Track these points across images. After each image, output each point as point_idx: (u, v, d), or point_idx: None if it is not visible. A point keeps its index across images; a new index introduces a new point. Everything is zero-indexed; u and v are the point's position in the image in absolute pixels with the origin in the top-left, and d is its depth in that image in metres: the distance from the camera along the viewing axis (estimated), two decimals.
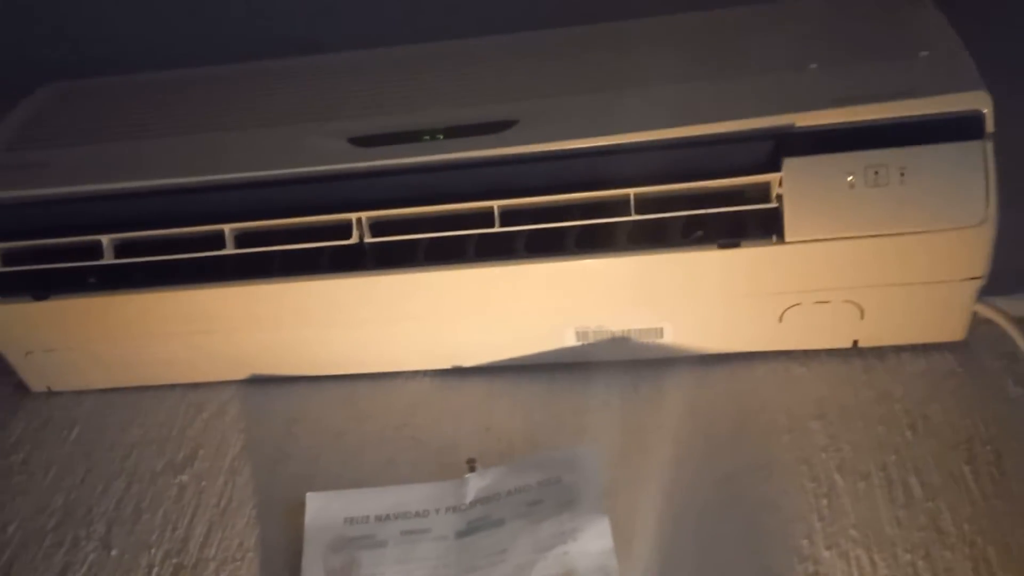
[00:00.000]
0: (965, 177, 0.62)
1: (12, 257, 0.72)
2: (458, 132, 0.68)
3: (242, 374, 0.79)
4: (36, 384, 0.80)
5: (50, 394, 0.81)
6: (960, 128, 0.62)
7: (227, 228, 0.69)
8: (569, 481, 0.65)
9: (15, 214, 0.72)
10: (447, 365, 0.77)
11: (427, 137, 0.69)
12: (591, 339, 0.73)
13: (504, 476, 0.66)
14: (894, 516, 0.62)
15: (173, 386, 0.80)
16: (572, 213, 0.67)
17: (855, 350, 0.72)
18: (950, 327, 0.70)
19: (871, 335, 0.71)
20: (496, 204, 0.66)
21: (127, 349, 0.76)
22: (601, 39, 0.77)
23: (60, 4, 1.09)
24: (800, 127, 0.63)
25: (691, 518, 0.63)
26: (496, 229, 0.67)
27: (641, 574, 0.60)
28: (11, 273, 0.72)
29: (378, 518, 0.65)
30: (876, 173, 0.62)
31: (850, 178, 0.63)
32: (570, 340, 0.73)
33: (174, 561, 0.66)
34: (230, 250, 0.69)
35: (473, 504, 0.65)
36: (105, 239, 0.70)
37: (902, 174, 0.62)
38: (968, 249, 0.64)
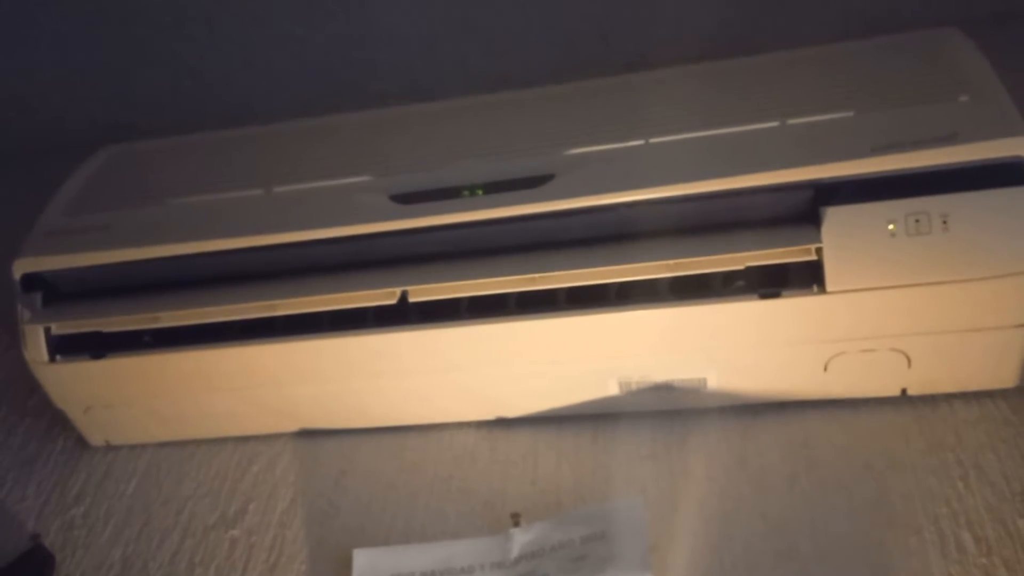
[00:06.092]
0: (1009, 223, 0.60)
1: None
2: (496, 187, 0.69)
3: (292, 427, 0.80)
4: (95, 439, 0.83)
5: (108, 448, 0.83)
6: (1003, 174, 0.60)
7: (276, 302, 0.71)
8: (613, 535, 0.64)
9: (75, 276, 0.75)
10: (491, 416, 0.77)
11: (466, 192, 0.70)
12: (634, 389, 0.73)
13: (548, 531, 0.66)
14: (947, 572, 0.60)
15: (226, 439, 0.81)
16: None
17: (907, 398, 0.71)
18: (1003, 374, 0.68)
19: (920, 383, 0.70)
20: (536, 276, 0.67)
21: (181, 404, 0.78)
22: (636, 88, 0.77)
23: (120, 66, 1.14)
24: (839, 176, 0.63)
25: (739, 574, 0.63)
26: (536, 288, 0.67)
27: None
28: (70, 334, 0.75)
29: (424, 574, 0.66)
30: (917, 221, 0.61)
31: (891, 227, 0.62)
32: (613, 390, 0.73)
33: None
34: (279, 312, 0.71)
35: (518, 560, 0.65)
36: (163, 315, 0.72)
37: (944, 222, 0.61)
38: (1016, 295, 0.62)
